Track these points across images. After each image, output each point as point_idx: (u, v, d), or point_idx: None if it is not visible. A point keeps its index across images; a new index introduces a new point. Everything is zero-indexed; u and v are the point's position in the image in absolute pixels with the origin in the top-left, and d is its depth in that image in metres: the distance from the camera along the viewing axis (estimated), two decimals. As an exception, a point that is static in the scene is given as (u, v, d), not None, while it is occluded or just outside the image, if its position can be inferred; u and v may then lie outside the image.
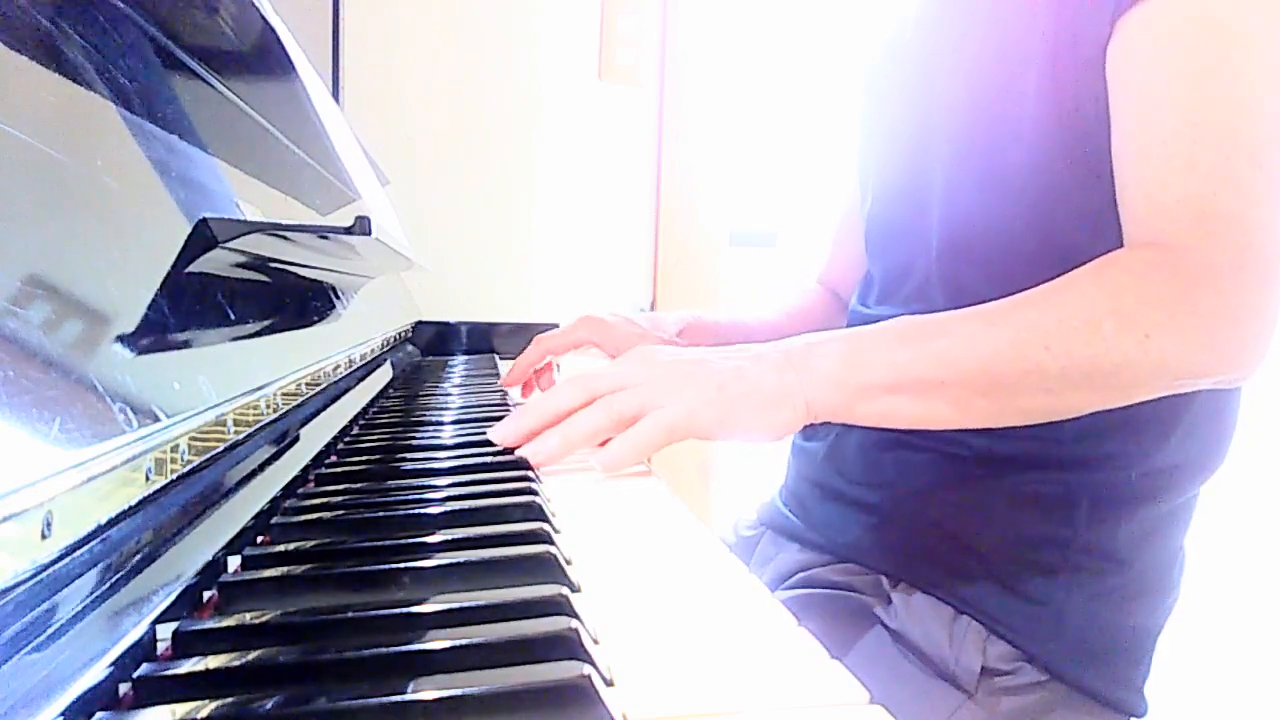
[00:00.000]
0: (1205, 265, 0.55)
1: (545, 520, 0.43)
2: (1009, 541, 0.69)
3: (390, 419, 0.74)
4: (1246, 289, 0.55)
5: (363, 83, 1.52)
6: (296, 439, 0.54)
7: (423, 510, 0.45)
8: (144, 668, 0.27)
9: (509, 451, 0.58)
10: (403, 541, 0.39)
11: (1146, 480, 0.68)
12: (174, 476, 0.35)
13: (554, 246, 1.73)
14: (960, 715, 0.65)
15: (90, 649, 0.26)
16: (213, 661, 0.28)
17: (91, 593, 0.28)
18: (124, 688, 0.27)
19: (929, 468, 0.73)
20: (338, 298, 0.82)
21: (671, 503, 0.54)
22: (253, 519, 0.41)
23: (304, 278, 0.72)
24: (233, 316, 0.50)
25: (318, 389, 0.63)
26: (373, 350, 0.91)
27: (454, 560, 0.37)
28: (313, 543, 0.40)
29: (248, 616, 0.31)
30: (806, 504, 0.83)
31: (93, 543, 0.28)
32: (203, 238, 0.45)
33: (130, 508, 0.31)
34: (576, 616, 0.32)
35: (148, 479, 0.33)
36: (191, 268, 0.44)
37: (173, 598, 0.31)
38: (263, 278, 0.61)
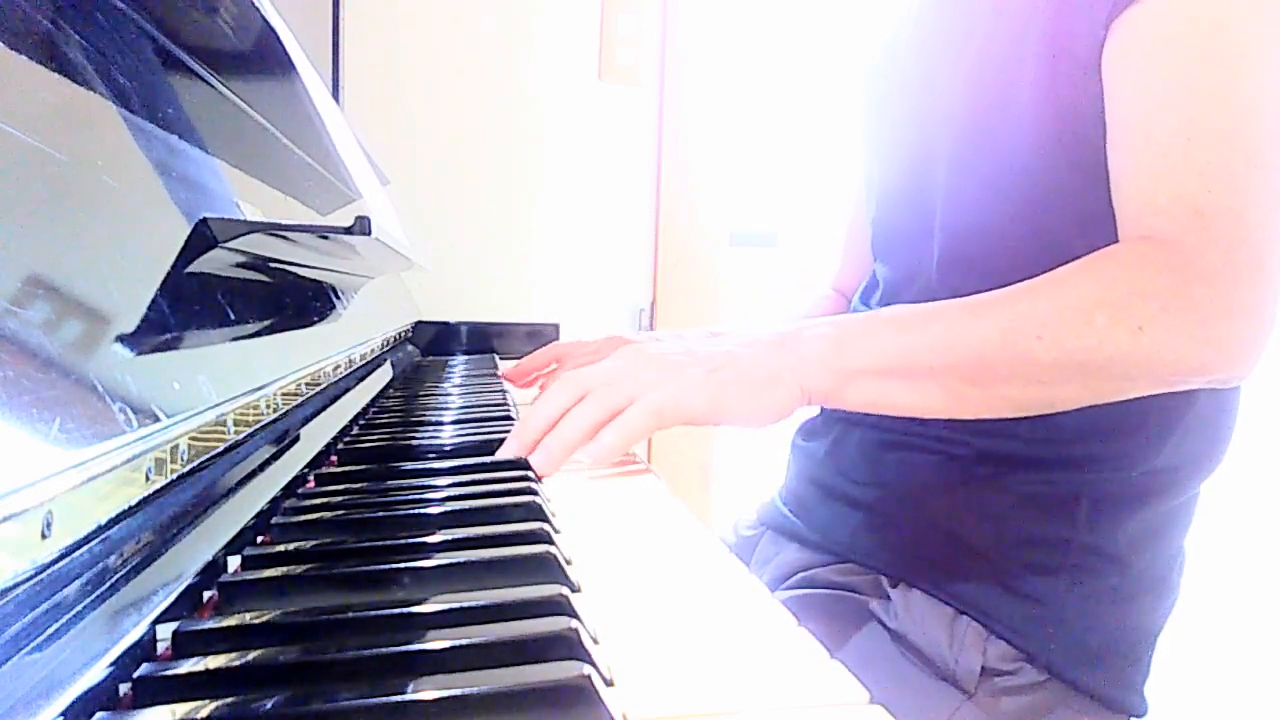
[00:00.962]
0: (1201, 261, 0.55)
1: (545, 520, 0.43)
2: (1009, 541, 0.69)
3: (390, 419, 0.74)
4: (1242, 287, 0.55)
5: (363, 83, 1.52)
6: (296, 439, 0.54)
7: (423, 510, 0.45)
8: (144, 668, 0.27)
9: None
10: (403, 541, 0.39)
11: (1146, 480, 0.68)
12: (174, 476, 0.35)
13: (554, 246, 1.73)
14: (960, 715, 0.65)
15: (90, 649, 0.26)
16: (213, 661, 0.28)
17: (91, 593, 0.28)
18: (124, 688, 0.27)
19: (929, 468, 0.73)
20: (338, 298, 0.82)
21: (671, 503, 0.54)
22: (253, 519, 0.41)
23: (304, 278, 0.72)
24: (233, 316, 0.50)
25: (318, 389, 0.63)
26: (373, 350, 0.91)
27: (454, 560, 0.37)
28: (313, 543, 0.40)
29: (248, 616, 0.31)
30: (806, 504, 0.83)
31: (93, 543, 0.28)
32: (203, 238, 0.45)
33: (130, 508, 0.31)
34: (576, 616, 0.32)
35: (148, 479, 0.33)
36: (192, 268, 0.44)
37: (173, 598, 0.31)
38: (263, 278, 0.61)
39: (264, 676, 0.28)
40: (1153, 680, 0.71)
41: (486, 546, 0.39)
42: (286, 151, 0.75)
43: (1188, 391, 0.65)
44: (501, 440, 0.63)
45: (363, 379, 0.83)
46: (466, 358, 1.31)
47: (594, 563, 0.41)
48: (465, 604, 0.32)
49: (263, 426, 0.48)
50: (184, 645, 0.30)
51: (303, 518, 0.44)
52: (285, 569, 0.36)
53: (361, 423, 0.72)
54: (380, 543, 0.40)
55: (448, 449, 0.61)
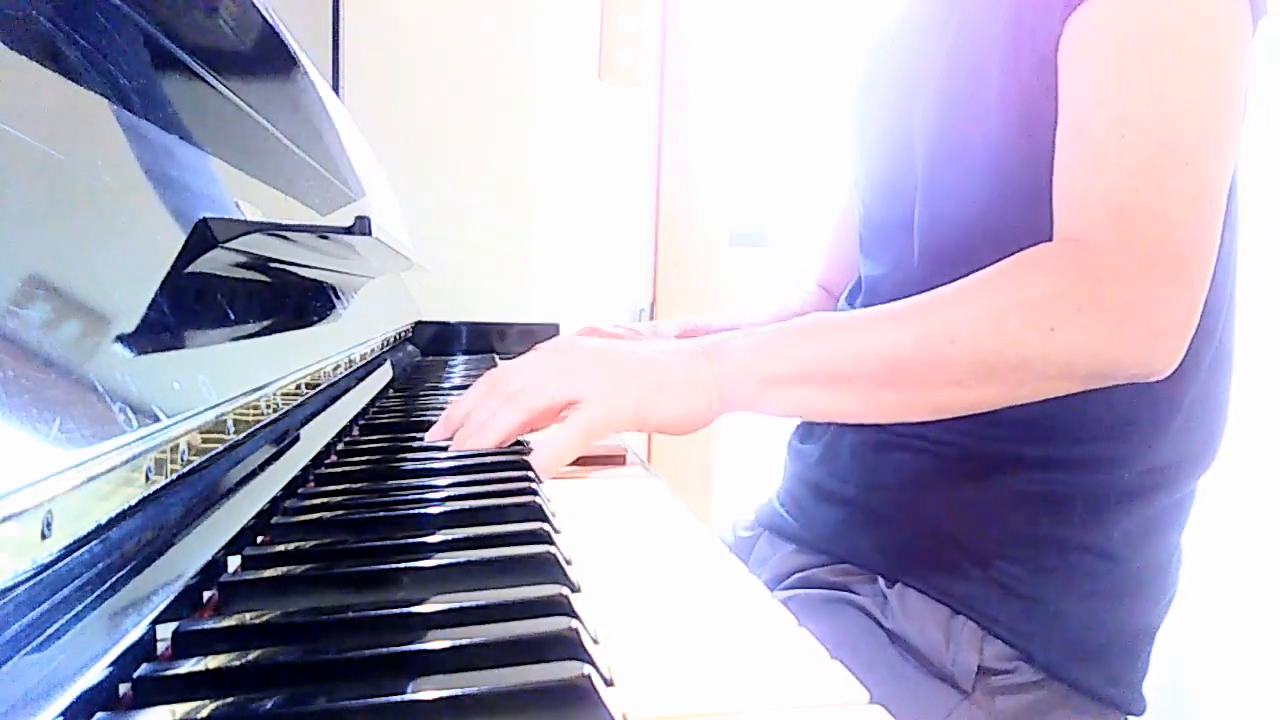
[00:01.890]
0: (1116, 262, 0.55)
1: (545, 520, 0.43)
2: (1005, 541, 0.69)
3: (390, 419, 0.74)
4: (1157, 285, 0.55)
5: (363, 82, 1.52)
6: (296, 439, 0.54)
7: (423, 510, 0.45)
8: (144, 668, 0.27)
9: (509, 451, 0.58)
10: (403, 541, 0.39)
11: (1141, 478, 0.68)
12: (174, 476, 0.35)
13: (554, 246, 1.73)
14: (958, 714, 0.65)
15: (90, 649, 0.26)
16: (213, 661, 0.28)
17: (91, 593, 0.28)
18: (124, 688, 0.27)
19: (924, 468, 0.73)
20: (338, 298, 0.82)
21: (671, 503, 0.54)
22: (253, 519, 0.41)
23: (304, 278, 0.72)
24: (233, 316, 0.50)
25: (317, 389, 0.63)
26: (372, 350, 0.91)
27: (454, 560, 0.37)
28: (313, 543, 0.40)
29: (248, 616, 0.31)
30: (802, 505, 0.83)
31: (93, 543, 0.28)
32: (203, 238, 0.45)
33: (130, 508, 0.31)
34: (576, 616, 0.32)
35: (148, 479, 0.33)
36: (191, 268, 0.44)
37: (173, 598, 0.31)
38: (263, 278, 0.61)
39: (264, 676, 0.28)
40: (1151, 678, 0.71)
41: (486, 546, 0.39)
42: (286, 151, 0.75)
43: (1179, 389, 0.65)
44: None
45: (363, 379, 0.83)
46: (466, 358, 1.31)
47: (594, 563, 0.41)
48: (465, 604, 0.32)
49: (263, 426, 0.48)
50: (184, 645, 0.30)
51: (303, 518, 0.44)
52: (285, 569, 0.36)
53: (361, 423, 0.72)
54: (380, 543, 0.40)
55: (448, 449, 0.61)
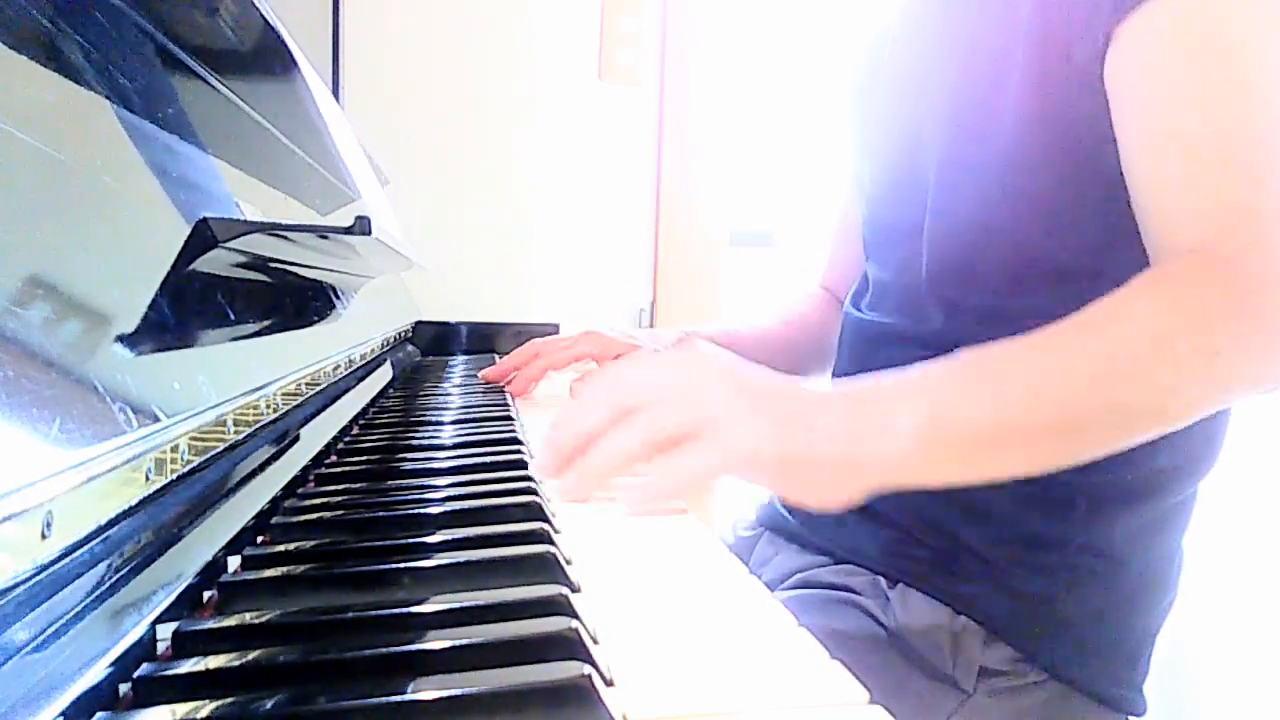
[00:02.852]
0: (1258, 272, 0.53)
1: (545, 520, 0.43)
2: (1007, 541, 0.69)
3: (390, 419, 0.74)
4: None
5: (363, 83, 1.52)
6: (296, 439, 0.54)
7: (423, 510, 0.45)
8: (144, 668, 0.27)
9: (509, 451, 0.58)
10: (403, 541, 0.39)
11: (1144, 480, 0.68)
12: (174, 476, 0.35)
13: (554, 247, 1.73)
14: (959, 715, 0.65)
15: (90, 649, 0.26)
16: (213, 661, 0.28)
17: (91, 593, 0.28)
18: (124, 688, 0.27)
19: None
20: (338, 298, 0.82)
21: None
22: (253, 519, 0.41)
23: (304, 278, 0.72)
24: (233, 316, 0.50)
25: (318, 389, 0.63)
26: (372, 350, 0.91)
27: (454, 560, 0.37)
28: (313, 543, 0.40)
29: (248, 616, 0.31)
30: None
31: (93, 543, 0.28)
32: (203, 238, 0.45)
33: (130, 508, 0.31)
34: (576, 616, 0.32)
35: (148, 479, 0.33)
36: (191, 268, 0.44)
37: (173, 598, 0.31)
38: (263, 278, 0.61)
39: (264, 676, 0.28)
40: (1151, 679, 0.71)
41: (486, 546, 0.39)
42: (286, 151, 0.75)
43: None
44: (501, 440, 0.63)
45: (363, 379, 0.83)
46: (466, 358, 1.31)
47: (594, 563, 0.41)
48: (465, 604, 0.32)
49: (263, 426, 0.48)
50: (184, 645, 0.30)
51: (303, 518, 0.44)
52: (285, 569, 0.36)
53: (361, 423, 0.72)
54: (380, 543, 0.40)
55: (448, 449, 0.61)
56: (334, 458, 0.59)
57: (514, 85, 1.65)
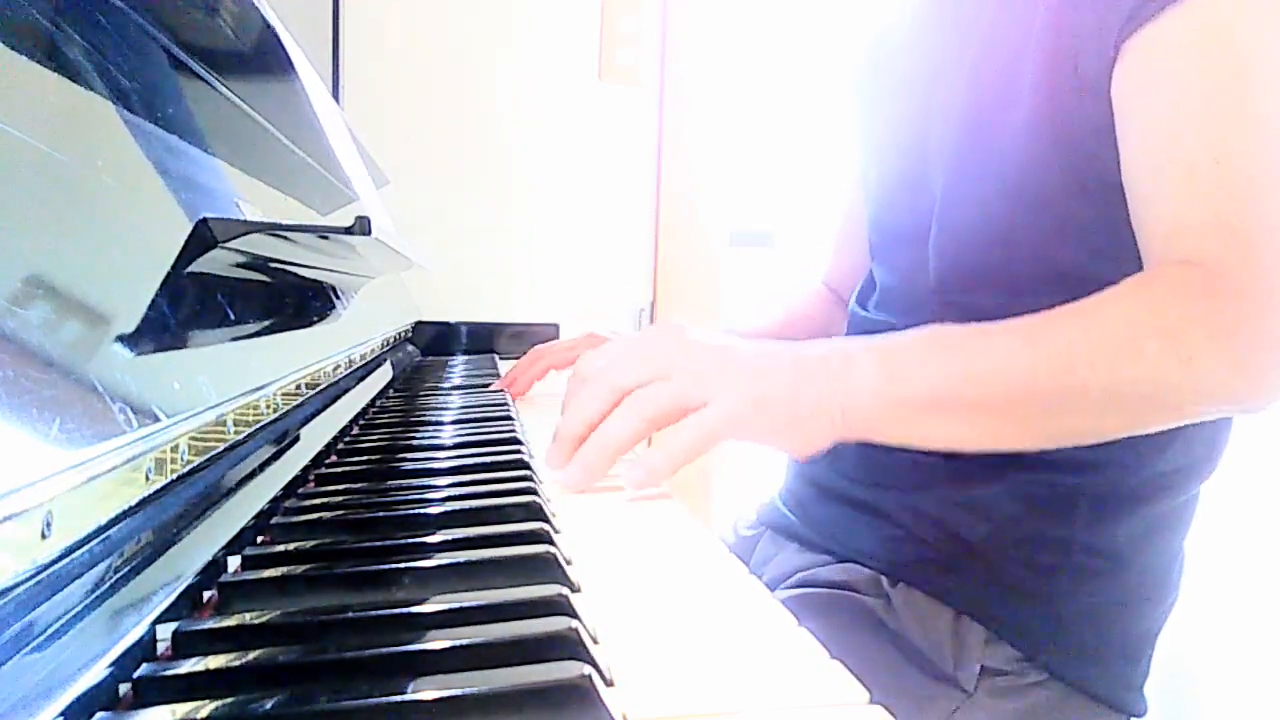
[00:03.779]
0: (1243, 286, 0.53)
1: (545, 520, 0.43)
2: (1009, 542, 0.69)
3: (390, 419, 0.74)
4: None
5: (363, 83, 1.52)
6: (296, 439, 0.54)
7: (423, 510, 0.45)
8: (144, 668, 0.27)
9: (509, 450, 0.58)
10: (403, 541, 0.39)
11: (1146, 482, 0.68)
12: (174, 476, 0.35)
13: (554, 246, 1.73)
14: (960, 715, 0.65)
15: (90, 649, 0.26)
16: (213, 661, 0.28)
17: (91, 593, 0.28)
18: (124, 688, 0.27)
19: (928, 468, 0.73)
20: (338, 298, 0.82)
21: (672, 503, 0.54)
22: (253, 519, 0.41)
23: (304, 278, 0.72)
24: (233, 316, 0.50)
25: (317, 389, 0.63)
26: (372, 350, 0.91)
27: (454, 560, 0.37)
28: (313, 543, 0.40)
29: (248, 616, 0.31)
30: (805, 504, 0.83)
31: (93, 543, 0.28)
32: (203, 238, 0.45)
33: (130, 508, 0.31)
34: (576, 616, 0.32)
35: (148, 479, 0.33)
36: (191, 268, 0.44)
37: (173, 598, 0.31)
38: (263, 278, 0.61)
39: (264, 676, 0.28)
40: (1152, 680, 0.71)
41: (486, 546, 0.39)
42: (286, 151, 0.75)
43: None
44: (501, 440, 0.63)
45: (363, 379, 0.83)
46: (466, 358, 1.31)
47: (594, 563, 0.41)
48: (465, 604, 0.32)
49: (263, 426, 0.48)
50: (184, 645, 0.30)
51: (303, 518, 0.44)
52: (285, 569, 0.36)
53: (361, 423, 0.72)
54: (380, 543, 0.40)
55: (448, 449, 0.61)
56: (334, 458, 0.59)
57: (514, 85, 1.66)
